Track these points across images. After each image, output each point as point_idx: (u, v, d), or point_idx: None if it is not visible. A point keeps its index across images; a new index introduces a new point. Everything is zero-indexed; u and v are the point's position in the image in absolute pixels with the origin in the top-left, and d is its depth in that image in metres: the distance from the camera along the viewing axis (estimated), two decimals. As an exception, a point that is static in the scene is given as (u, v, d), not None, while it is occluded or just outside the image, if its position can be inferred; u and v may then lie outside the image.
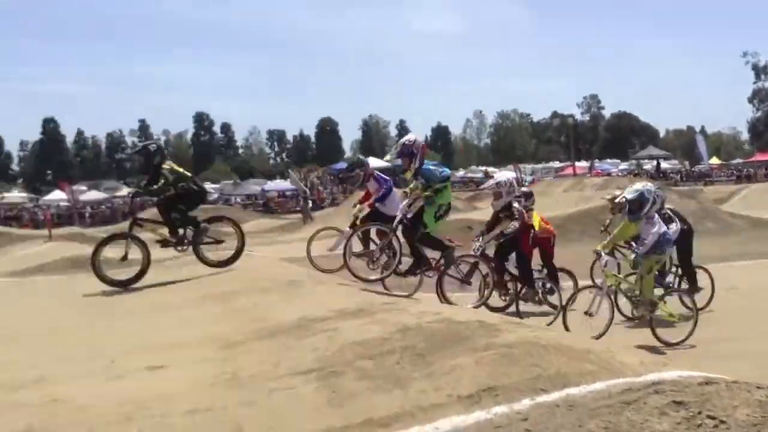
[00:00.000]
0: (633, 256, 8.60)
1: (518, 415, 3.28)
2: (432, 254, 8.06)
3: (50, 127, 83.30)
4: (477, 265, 8.42)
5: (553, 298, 9.23)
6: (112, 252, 8.33)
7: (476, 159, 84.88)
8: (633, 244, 8.95)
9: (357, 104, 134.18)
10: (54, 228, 28.37)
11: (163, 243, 8.47)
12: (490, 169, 62.78)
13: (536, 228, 9.77)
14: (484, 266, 8.42)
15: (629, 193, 8.52)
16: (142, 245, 8.06)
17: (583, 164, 56.61)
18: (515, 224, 9.05)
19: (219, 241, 8.70)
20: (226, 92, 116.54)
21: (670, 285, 9.55)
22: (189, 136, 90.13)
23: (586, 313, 8.13)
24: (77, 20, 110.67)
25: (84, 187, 54.45)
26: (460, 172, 60.32)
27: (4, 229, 29.34)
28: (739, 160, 64.51)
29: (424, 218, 7.85)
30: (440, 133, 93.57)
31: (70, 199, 45.96)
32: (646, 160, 57.63)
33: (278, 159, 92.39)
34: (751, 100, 79.67)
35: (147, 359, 4.67)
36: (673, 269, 10.24)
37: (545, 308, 9.30)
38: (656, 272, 8.52)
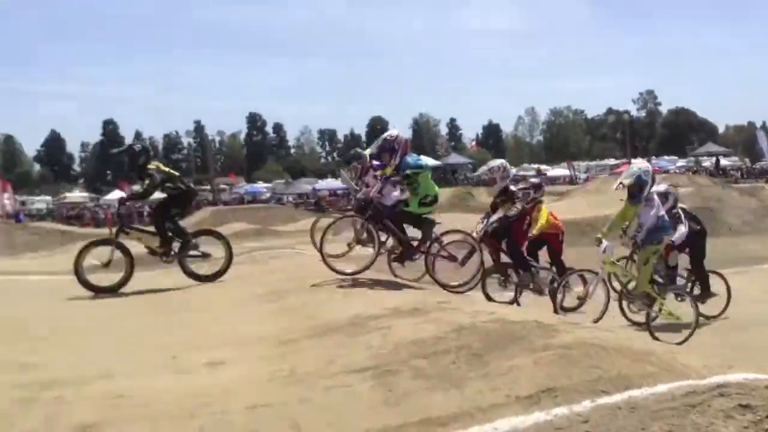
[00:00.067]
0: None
1: (579, 417, 3.22)
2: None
3: (110, 128, 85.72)
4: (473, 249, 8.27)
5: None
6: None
7: (528, 157, 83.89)
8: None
9: (407, 103, 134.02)
10: (114, 226, 29.14)
11: (151, 252, 8.44)
12: (543, 166, 61.99)
13: (545, 222, 9.62)
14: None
15: (626, 178, 8.36)
16: (126, 253, 8.05)
17: (639, 161, 55.23)
18: (518, 206, 8.83)
19: (206, 255, 8.57)
20: (278, 93, 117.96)
21: (680, 289, 9.13)
22: (242, 136, 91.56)
23: (578, 298, 8.21)
24: (136, 25, 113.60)
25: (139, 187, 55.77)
26: (512, 170, 59.69)
27: (67, 228, 30.26)
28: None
29: (409, 201, 7.74)
30: (491, 130, 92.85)
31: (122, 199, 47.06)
32: (705, 157, 56.05)
33: (329, 158, 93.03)
34: (816, 94, 76.56)
35: (206, 356, 4.75)
36: (685, 273, 9.80)
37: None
38: (653, 263, 8.26)
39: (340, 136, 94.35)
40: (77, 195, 58.18)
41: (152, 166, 8.34)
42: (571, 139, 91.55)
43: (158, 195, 8.56)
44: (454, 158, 61.09)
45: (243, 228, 23.86)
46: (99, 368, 4.57)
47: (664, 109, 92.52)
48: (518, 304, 7.89)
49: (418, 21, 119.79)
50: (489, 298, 8.13)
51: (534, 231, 9.42)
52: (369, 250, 7.77)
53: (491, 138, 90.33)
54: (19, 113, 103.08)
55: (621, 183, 8.45)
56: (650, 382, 3.49)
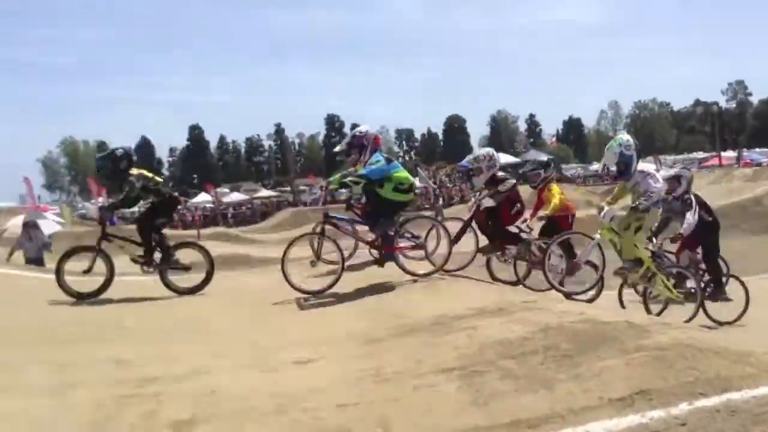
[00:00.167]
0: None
1: (676, 420, 3.13)
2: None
3: (195, 133, 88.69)
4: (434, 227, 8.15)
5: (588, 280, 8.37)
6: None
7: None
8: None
9: (485, 100, 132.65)
10: (201, 228, 30.15)
11: (133, 260, 8.36)
12: (627, 161, 60.11)
13: (558, 203, 9.18)
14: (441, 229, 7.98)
15: (609, 161, 7.91)
16: (107, 259, 8.00)
17: (729, 154, 52.88)
18: (510, 182, 8.59)
19: (186, 268, 8.40)
20: (355, 94, 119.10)
21: (693, 290, 8.37)
22: (321, 137, 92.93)
23: (563, 270, 7.90)
24: (218, 32, 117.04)
25: (226, 189, 57.54)
26: (594, 166, 58.09)
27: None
28: None
29: (384, 191, 7.49)
30: (572, 125, 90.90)
31: (214, 201, 48.67)
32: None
33: (407, 157, 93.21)
34: None
35: (295, 354, 4.86)
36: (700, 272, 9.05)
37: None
38: (634, 227, 7.79)
39: (417, 135, 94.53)
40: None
41: (134, 172, 8.22)
42: (656, 132, 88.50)
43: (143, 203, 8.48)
44: (533, 155, 59.96)
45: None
46: (191, 365, 4.73)
47: (755, 99, 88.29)
48: (523, 284, 7.75)
49: (495, 17, 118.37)
50: (494, 278, 8.00)
51: (547, 211, 9.14)
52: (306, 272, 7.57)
53: (572, 133, 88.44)
54: (112, 121, 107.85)
55: (605, 166, 8.06)
56: (750, 384, 3.36)
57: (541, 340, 4.33)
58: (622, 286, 8.24)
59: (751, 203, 21.08)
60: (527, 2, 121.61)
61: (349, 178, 7.65)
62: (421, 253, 7.85)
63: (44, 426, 3.71)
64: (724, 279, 9.09)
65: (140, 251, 8.20)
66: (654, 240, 8.68)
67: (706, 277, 8.97)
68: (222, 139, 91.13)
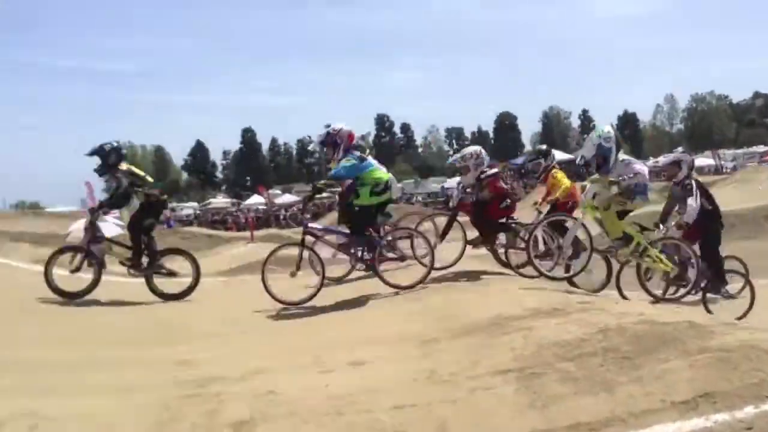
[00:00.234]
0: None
1: (741, 424, 3.07)
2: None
3: (248, 136, 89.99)
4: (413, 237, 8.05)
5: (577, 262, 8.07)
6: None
7: (668, 146, 79.34)
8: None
9: (536, 96, 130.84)
10: (254, 230, 30.60)
11: (122, 263, 8.41)
12: (684, 156, 58.56)
13: (568, 185, 8.99)
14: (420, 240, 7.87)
15: (586, 151, 7.64)
16: (95, 259, 8.07)
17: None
18: (496, 169, 8.68)
19: (172, 274, 8.43)
20: (405, 93, 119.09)
21: (690, 282, 7.98)
22: (371, 138, 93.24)
23: (555, 247, 7.61)
24: (268, 34, 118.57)
25: (278, 191, 58.24)
26: (650, 161, 56.74)
27: (212, 232, 31.93)
28: None
29: (359, 191, 7.51)
30: (627, 120, 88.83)
31: (267, 203, 49.35)
32: None
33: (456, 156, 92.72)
34: None
35: (349, 355, 4.88)
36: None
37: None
38: (614, 209, 7.49)
39: (468, 133, 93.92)
40: (221, 200, 61.32)
41: (123, 167, 8.26)
42: (715, 126, 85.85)
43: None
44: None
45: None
46: (250, 366, 4.80)
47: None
48: (519, 273, 7.71)
49: (547, 11, 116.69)
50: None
51: (557, 194, 8.97)
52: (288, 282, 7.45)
53: (627, 128, 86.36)
54: (167, 125, 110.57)
55: (583, 157, 7.78)
56: (819, 387, 3.25)
57: (599, 341, 4.27)
58: (620, 271, 7.99)
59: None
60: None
61: (320, 182, 7.69)
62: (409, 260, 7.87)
63: (111, 426, 3.82)
64: (738, 279, 8.71)
65: (129, 254, 8.25)
66: (661, 227, 8.50)
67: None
68: (274, 141, 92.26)
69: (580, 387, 3.67)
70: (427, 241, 7.72)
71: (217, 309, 7.64)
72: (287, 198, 54.90)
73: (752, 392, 3.29)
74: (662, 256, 7.65)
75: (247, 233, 29.25)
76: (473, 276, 7.82)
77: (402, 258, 7.76)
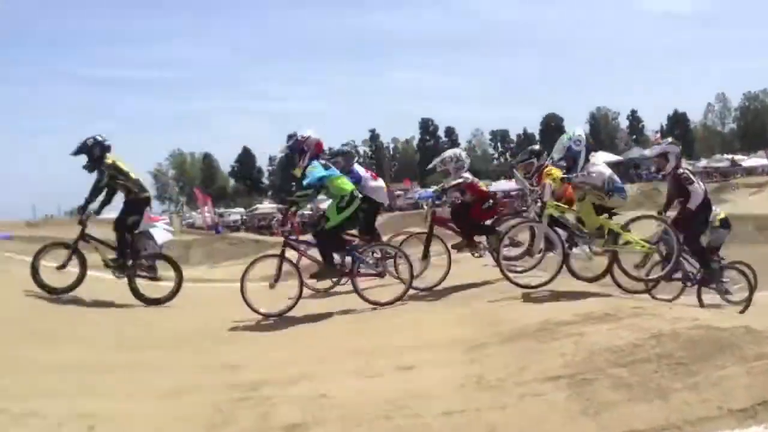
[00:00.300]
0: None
1: (801, 433, 2.96)
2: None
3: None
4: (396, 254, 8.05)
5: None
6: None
7: (720, 146, 77.64)
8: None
9: (583, 97, 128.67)
10: (300, 235, 30.85)
11: (105, 264, 8.41)
12: (737, 156, 57.02)
13: (554, 182, 8.68)
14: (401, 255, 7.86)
15: (556, 152, 7.41)
16: (81, 257, 8.12)
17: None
18: (465, 175, 8.47)
19: (155, 279, 8.48)
20: (449, 96, 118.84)
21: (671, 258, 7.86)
22: (415, 142, 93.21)
23: (523, 254, 7.46)
24: (312, 40, 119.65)
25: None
26: (702, 162, 55.39)
27: (259, 237, 32.37)
28: None
29: (327, 212, 7.53)
30: (677, 120, 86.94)
31: (312, 208, 49.69)
32: None
33: (502, 159, 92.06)
34: None
35: (397, 360, 4.88)
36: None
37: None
38: (591, 201, 7.23)
39: (513, 135, 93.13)
40: (267, 206, 62.00)
41: (108, 161, 8.27)
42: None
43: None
44: (636, 152, 57.86)
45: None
46: (300, 370, 4.85)
47: None
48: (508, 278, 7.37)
49: (593, 9, 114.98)
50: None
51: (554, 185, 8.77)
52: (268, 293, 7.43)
53: (677, 128, 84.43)
54: (216, 133, 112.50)
55: (551, 158, 7.60)
56: None
57: (653, 347, 4.19)
58: (611, 264, 7.74)
59: None
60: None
61: (295, 196, 7.73)
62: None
63: (164, 427, 3.90)
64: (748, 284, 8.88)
65: (113, 255, 8.35)
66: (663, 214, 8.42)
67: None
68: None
69: (633, 393, 3.61)
70: (406, 258, 7.68)
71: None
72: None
73: (815, 400, 3.19)
74: (637, 237, 7.47)
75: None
76: (516, 281, 7.73)
77: (380, 274, 7.77)
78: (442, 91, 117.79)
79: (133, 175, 8.46)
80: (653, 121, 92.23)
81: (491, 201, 8.61)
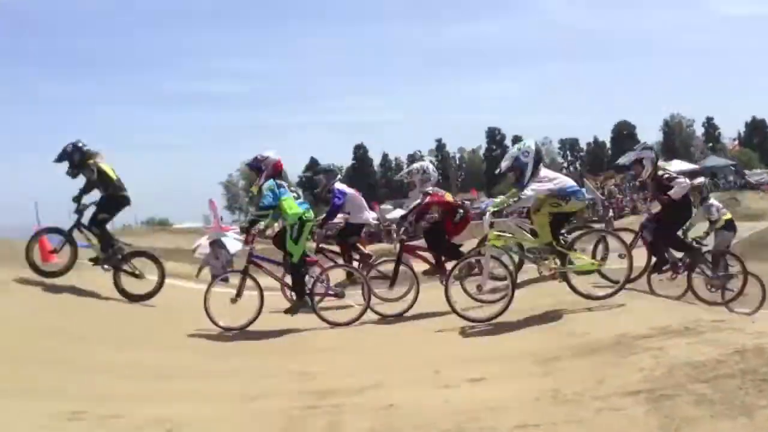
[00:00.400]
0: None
1: None
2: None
3: (360, 152, 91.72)
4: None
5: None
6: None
7: (801, 155, 74.09)
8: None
9: (656, 104, 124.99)
10: (367, 245, 31.05)
11: (95, 261, 8.79)
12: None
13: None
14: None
15: (504, 161, 7.23)
16: (73, 245, 8.54)
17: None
18: (427, 190, 8.45)
19: (138, 276, 8.77)
20: (516, 105, 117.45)
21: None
22: (482, 151, 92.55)
23: (477, 287, 7.12)
24: (374, 54, 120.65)
25: (389, 206, 58.87)
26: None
27: (327, 246, 32.70)
28: None
29: (287, 248, 7.59)
30: (756, 127, 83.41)
31: (379, 218, 50.03)
32: None
33: (571, 168, 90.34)
34: None
35: (468, 371, 4.83)
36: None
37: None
38: (549, 212, 7.01)
39: (583, 144, 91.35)
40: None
41: (91, 161, 8.63)
42: None
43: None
44: (713, 160, 55.84)
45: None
46: (370, 379, 4.87)
47: None
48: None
49: (664, 14, 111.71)
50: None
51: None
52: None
53: (756, 136, 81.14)
54: (284, 144, 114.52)
55: (500, 168, 7.36)
56: None
57: (737, 363, 4.03)
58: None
59: None
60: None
61: (254, 215, 7.81)
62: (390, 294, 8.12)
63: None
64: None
65: (99, 248, 8.73)
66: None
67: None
68: (385, 156, 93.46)
69: (716, 410, 3.47)
70: (365, 280, 7.75)
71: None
72: (398, 213, 55.32)
73: None
74: (583, 255, 7.34)
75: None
76: (593, 293, 7.55)
77: (337, 295, 7.87)
78: (509, 100, 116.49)
79: (113, 175, 8.83)
80: (730, 129, 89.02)
81: (461, 211, 8.54)
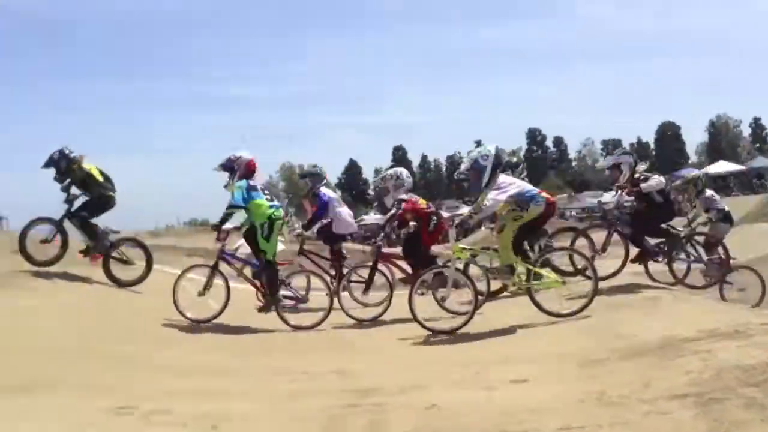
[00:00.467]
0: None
1: None
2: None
3: (399, 154, 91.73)
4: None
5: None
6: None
7: None
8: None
9: (702, 104, 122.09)
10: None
11: (85, 252, 9.07)
12: None
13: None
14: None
15: (463, 164, 7.17)
16: (64, 236, 8.83)
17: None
18: (402, 197, 8.50)
19: (126, 262, 9.11)
20: (558, 105, 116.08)
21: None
22: (522, 152, 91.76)
23: (440, 300, 7.13)
24: (418, 54, 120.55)
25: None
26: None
27: (366, 247, 32.81)
28: None
29: (260, 246, 7.64)
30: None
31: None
32: None
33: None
34: None
35: (510, 372, 4.81)
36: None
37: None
38: (513, 231, 6.88)
39: (626, 144, 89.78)
40: (372, 217, 62.81)
41: (76, 166, 8.92)
42: None
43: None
44: (760, 161, 54.41)
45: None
46: (411, 379, 4.87)
47: None
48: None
49: (711, 13, 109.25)
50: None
51: None
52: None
53: (805, 136, 78.99)
54: (323, 145, 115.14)
55: (460, 172, 7.27)
56: None
57: (787, 366, 3.92)
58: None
59: None
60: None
61: (224, 214, 7.76)
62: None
63: (282, 429, 4.03)
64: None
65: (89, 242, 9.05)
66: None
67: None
68: (424, 158, 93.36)
69: (766, 414, 3.38)
70: (326, 283, 7.91)
71: (369, 325, 7.82)
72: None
73: None
74: (550, 272, 7.17)
75: (398, 248, 29.67)
76: (636, 291, 7.45)
77: (299, 300, 7.94)
78: (550, 100, 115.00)
79: (99, 177, 9.11)
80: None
81: (435, 218, 8.51)
